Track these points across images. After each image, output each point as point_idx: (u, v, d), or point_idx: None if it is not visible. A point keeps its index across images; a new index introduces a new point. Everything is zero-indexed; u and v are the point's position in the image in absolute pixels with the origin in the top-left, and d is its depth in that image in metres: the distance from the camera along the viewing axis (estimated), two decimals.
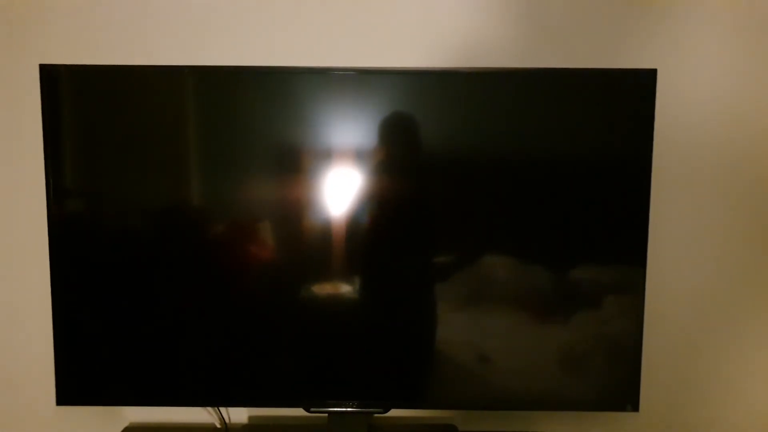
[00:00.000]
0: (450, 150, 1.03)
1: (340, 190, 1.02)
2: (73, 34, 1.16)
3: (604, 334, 1.07)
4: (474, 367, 1.08)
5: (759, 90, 1.18)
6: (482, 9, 1.16)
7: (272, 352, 1.07)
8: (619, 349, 1.07)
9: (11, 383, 1.24)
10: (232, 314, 1.06)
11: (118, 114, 1.02)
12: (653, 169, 1.04)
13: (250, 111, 1.02)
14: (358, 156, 1.01)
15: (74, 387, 1.07)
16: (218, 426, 1.25)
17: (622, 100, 1.03)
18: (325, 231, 1.03)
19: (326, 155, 1.01)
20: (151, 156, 1.03)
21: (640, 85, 1.02)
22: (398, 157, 1.03)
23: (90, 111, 1.02)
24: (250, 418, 1.27)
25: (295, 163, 1.02)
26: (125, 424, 1.26)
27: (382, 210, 1.03)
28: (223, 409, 1.25)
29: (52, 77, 1.00)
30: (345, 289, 1.05)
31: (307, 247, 1.05)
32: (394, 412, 1.15)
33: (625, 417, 1.26)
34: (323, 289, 1.06)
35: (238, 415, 1.27)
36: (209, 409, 1.24)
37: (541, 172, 1.03)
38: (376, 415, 1.14)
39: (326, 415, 1.10)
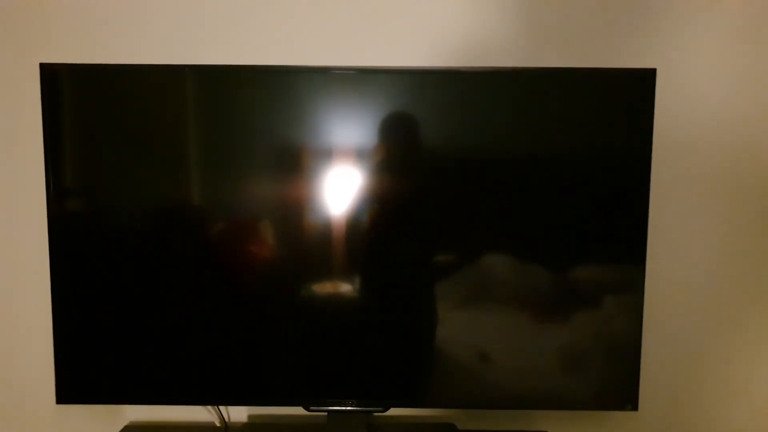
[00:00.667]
0: (450, 149, 1.03)
1: (340, 190, 1.02)
2: (73, 33, 1.16)
3: (603, 333, 1.07)
4: (474, 367, 1.08)
5: (758, 89, 1.18)
6: (483, 9, 1.16)
7: (272, 350, 1.07)
8: (619, 349, 1.07)
9: (11, 382, 1.25)
10: (232, 313, 1.06)
11: (118, 113, 1.02)
12: (653, 169, 1.04)
13: (250, 110, 1.02)
14: (359, 155, 1.02)
15: (74, 385, 1.07)
16: (218, 425, 1.25)
17: (622, 100, 1.03)
18: (326, 230, 1.03)
19: (327, 154, 1.02)
20: (151, 155, 1.03)
21: (639, 85, 1.02)
22: (399, 156, 1.03)
23: (90, 110, 1.02)
24: (250, 416, 1.27)
25: (295, 162, 1.02)
26: (125, 422, 1.26)
27: (383, 209, 1.03)
28: (222, 408, 1.25)
29: (53, 76, 1.00)
30: (345, 288, 1.06)
31: (308, 246, 1.05)
32: (393, 411, 1.15)
33: (625, 416, 1.26)
34: (323, 288, 1.06)
35: (238, 413, 1.27)
36: (209, 407, 1.24)
37: (540, 172, 1.03)
38: (375, 414, 1.14)
39: (326, 414, 1.10)
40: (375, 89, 1.01)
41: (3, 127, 1.18)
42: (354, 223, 1.03)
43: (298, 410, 1.11)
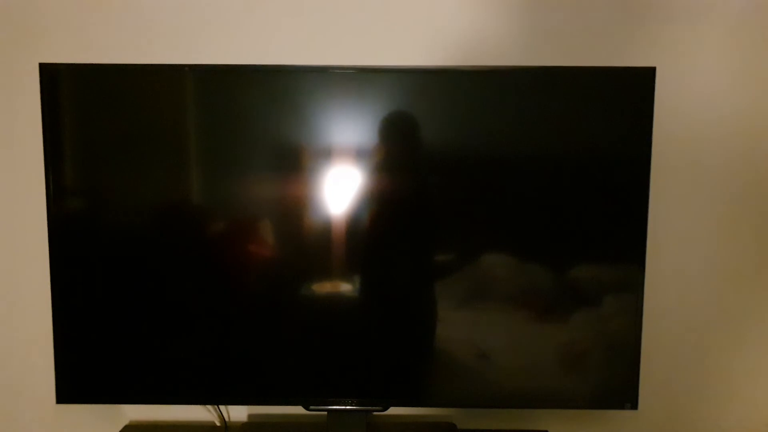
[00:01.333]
0: (450, 148, 1.03)
1: (340, 189, 1.02)
2: (73, 32, 1.16)
3: (603, 332, 1.07)
4: (473, 365, 1.08)
5: (758, 88, 1.18)
6: (482, 7, 1.16)
7: (272, 350, 1.07)
8: (618, 348, 1.07)
9: (11, 381, 1.25)
10: (231, 312, 1.06)
11: (117, 113, 1.02)
12: (652, 168, 1.04)
13: (250, 109, 1.02)
14: (359, 154, 1.02)
15: (74, 385, 1.07)
16: (218, 424, 1.25)
17: (622, 98, 1.02)
18: (325, 229, 1.03)
19: (326, 154, 1.02)
20: (150, 154, 1.03)
21: (639, 83, 1.02)
22: (398, 155, 1.03)
23: (90, 110, 1.02)
24: (250, 416, 1.27)
25: (295, 161, 1.02)
26: (125, 422, 1.26)
27: (382, 209, 1.03)
28: (222, 407, 1.25)
29: (52, 76, 1.00)
30: (345, 287, 1.06)
31: (307, 245, 1.05)
32: (393, 410, 1.15)
33: (624, 415, 1.26)
34: (323, 287, 1.06)
35: (238, 412, 1.27)
36: (209, 407, 1.24)
37: (540, 171, 1.03)
38: (375, 413, 1.14)
39: (325, 413, 1.10)
40: (375, 88, 1.01)
41: (3, 127, 1.18)
42: (354, 223, 1.03)
43: (298, 409, 1.11)
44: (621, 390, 1.08)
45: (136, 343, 1.06)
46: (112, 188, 1.03)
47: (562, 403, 1.10)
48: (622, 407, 1.08)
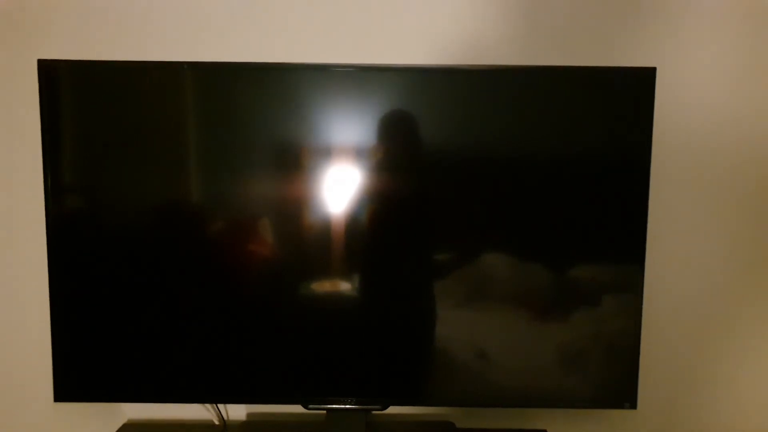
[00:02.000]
0: (450, 148, 1.03)
1: (339, 188, 1.02)
2: (72, 29, 1.15)
3: (602, 332, 1.07)
4: (473, 365, 1.08)
5: (759, 89, 1.18)
6: (483, 7, 1.16)
7: (271, 348, 1.07)
8: (618, 347, 1.07)
9: (9, 379, 1.24)
10: (230, 311, 1.06)
11: (116, 110, 1.01)
12: (652, 168, 1.03)
13: (249, 107, 1.01)
14: (358, 154, 1.01)
15: (72, 383, 1.07)
16: (216, 422, 1.25)
17: (622, 99, 1.02)
18: (325, 228, 1.03)
19: (326, 152, 1.01)
20: (149, 153, 1.02)
21: (639, 84, 1.02)
22: (398, 154, 1.03)
23: (89, 107, 1.01)
24: (249, 414, 1.27)
25: (294, 160, 1.02)
26: (123, 420, 1.26)
27: (382, 208, 1.03)
28: (221, 406, 1.25)
29: (51, 72, 1.00)
30: (344, 286, 1.05)
31: (307, 244, 1.04)
32: (392, 409, 1.15)
33: (623, 414, 1.27)
34: (322, 286, 1.06)
35: (237, 411, 1.27)
36: (207, 405, 1.24)
37: (540, 170, 1.03)
38: (374, 412, 1.14)
39: (324, 411, 1.10)
40: (375, 87, 1.00)
41: (1, 123, 1.17)
42: (353, 222, 1.03)
43: (297, 408, 1.11)
44: (620, 389, 1.08)
45: (135, 342, 1.06)
46: (111, 186, 1.03)
47: (561, 403, 1.10)
48: (621, 407, 1.08)
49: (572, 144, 1.03)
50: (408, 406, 1.22)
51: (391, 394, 1.09)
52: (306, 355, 1.07)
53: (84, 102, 1.01)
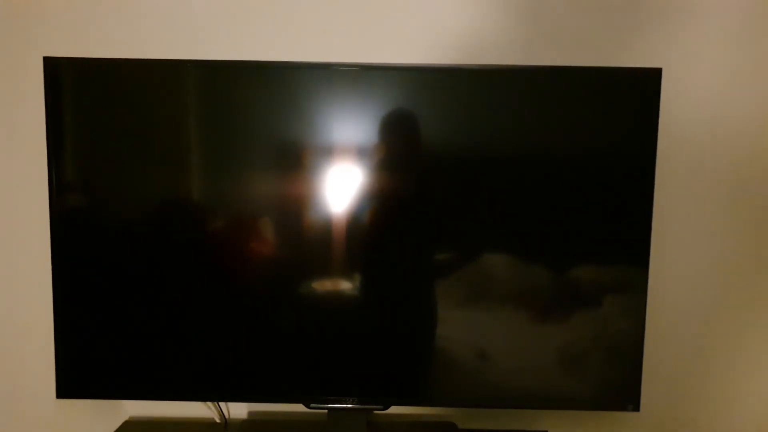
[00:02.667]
0: (452, 147, 1.03)
1: (341, 187, 1.02)
2: (76, 27, 1.16)
3: (605, 333, 1.06)
4: (474, 365, 1.07)
5: (764, 90, 1.17)
6: (486, 6, 1.15)
7: (272, 347, 1.07)
8: (621, 349, 1.06)
9: (12, 376, 1.25)
10: (232, 310, 1.06)
11: (120, 107, 1.01)
12: (657, 169, 1.03)
13: (251, 106, 1.01)
14: (360, 153, 1.01)
15: (74, 380, 1.07)
16: (218, 421, 1.25)
17: (627, 99, 1.02)
18: (326, 228, 1.03)
19: (327, 151, 1.01)
20: (152, 150, 1.03)
21: (644, 84, 1.01)
22: (399, 154, 1.03)
23: (93, 104, 1.02)
24: (250, 413, 1.27)
25: (296, 159, 1.02)
26: (125, 417, 1.26)
27: (383, 207, 1.03)
28: (222, 404, 1.25)
29: (56, 70, 1.00)
30: (345, 286, 1.05)
31: (308, 243, 1.04)
32: (393, 409, 1.15)
33: (626, 416, 1.26)
34: (323, 285, 1.05)
35: (238, 410, 1.27)
36: (209, 403, 1.24)
37: (543, 171, 1.03)
38: (375, 411, 1.13)
39: (326, 411, 1.10)
40: (376, 86, 1.00)
41: (6, 120, 1.18)
42: (354, 221, 1.03)
43: (299, 407, 1.11)
44: (623, 391, 1.07)
45: (137, 339, 1.06)
46: (113, 183, 1.03)
47: (564, 404, 1.10)
48: (623, 408, 1.08)
49: (576, 144, 1.03)
50: (409, 406, 1.22)
51: (393, 394, 1.09)
52: (307, 354, 1.07)
53: (88, 99, 1.02)
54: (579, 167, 1.03)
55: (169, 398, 1.10)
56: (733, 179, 1.19)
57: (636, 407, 1.07)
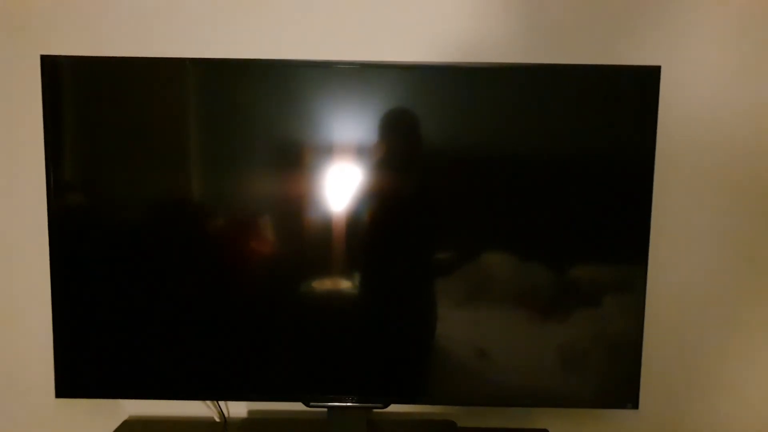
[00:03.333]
0: (451, 146, 1.03)
1: (341, 186, 1.02)
2: (75, 24, 1.15)
3: (604, 331, 1.06)
4: (474, 364, 1.07)
5: (764, 88, 1.17)
6: (486, 4, 1.15)
7: (272, 346, 1.07)
8: (620, 347, 1.07)
9: (11, 375, 1.24)
10: (232, 308, 1.06)
11: (119, 106, 1.01)
12: (656, 167, 1.03)
13: (251, 104, 1.01)
14: (360, 151, 1.01)
15: (74, 379, 1.07)
16: (217, 420, 1.25)
17: (625, 97, 1.02)
18: (326, 227, 1.03)
19: (327, 150, 1.01)
20: (151, 149, 1.02)
21: (643, 82, 1.01)
22: (399, 153, 1.03)
23: (91, 102, 1.01)
24: (250, 412, 1.27)
25: (296, 157, 1.02)
26: (125, 417, 1.26)
27: (383, 206, 1.03)
28: (222, 403, 1.25)
29: (54, 68, 1.00)
30: (345, 284, 1.05)
31: (308, 242, 1.04)
32: (393, 408, 1.15)
33: (625, 414, 1.26)
34: (323, 284, 1.05)
35: (238, 408, 1.27)
36: (208, 402, 1.24)
37: (542, 169, 1.03)
38: (375, 410, 1.14)
39: (326, 409, 1.10)
40: (377, 84, 1.00)
41: (3, 119, 1.17)
42: (354, 220, 1.03)
43: (298, 406, 1.11)
44: (622, 389, 1.08)
45: (136, 338, 1.06)
46: (112, 182, 1.03)
47: (563, 402, 1.10)
48: (623, 406, 1.08)
49: (575, 143, 1.03)
50: (409, 404, 1.22)
51: (393, 392, 1.09)
52: (307, 353, 1.07)
53: (86, 97, 1.01)
54: (578, 165, 1.03)
55: (169, 397, 1.10)
56: (732, 178, 1.19)
57: (635, 405, 1.07)
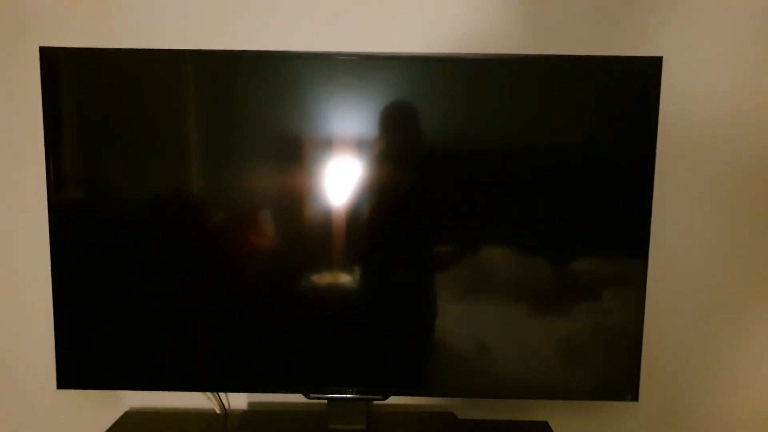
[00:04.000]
0: (452, 139, 1.02)
1: (340, 180, 1.01)
2: (73, 16, 1.15)
3: (604, 324, 1.06)
4: (474, 356, 1.08)
5: (765, 80, 1.16)
6: None
7: (273, 338, 1.07)
8: (620, 340, 1.07)
9: (12, 367, 1.25)
10: (232, 301, 1.06)
11: (117, 98, 1.01)
12: (656, 160, 1.03)
13: (250, 96, 1.01)
14: (360, 145, 1.01)
15: (75, 371, 1.07)
16: (218, 411, 1.25)
17: (627, 89, 1.01)
18: (326, 220, 1.03)
19: (327, 143, 1.01)
20: (150, 142, 1.02)
21: (644, 74, 1.00)
22: (400, 146, 1.02)
23: (90, 95, 1.01)
24: (250, 403, 1.27)
25: (295, 151, 1.01)
26: (125, 408, 1.26)
27: (383, 200, 1.03)
28: (222, 395, 1.26)
29: (52, 60, 0.99)
30: (345, 278, 1.05)
31: (307, 236, 1.04)
32: (393, 400, 1.16)
33: (625, 406, 1.26)
34: (323, 277, 1.05)
35: (238, 400, 1.27)
36: (209, 394, 1.24)
37: (542, 162, 1.03)
38: (375, 402, 1.14)
39: (326, 401, 1.10)
40: (377, 76, 0.99)
41: (2, 112, 1.17)
42: (354, 214, 1.02)
43: (299, 398, 1.11)
44: (622, 381, 1.08)
45: (137, 330, 1.06)
46: (112, 175, 1.03)
47: (563, 395, 1.10)
48: (622, 398, 1.08)
49: (575, 135, 1.02)
50: (409, 396, 1.23)
51: (392, 384, 1.09)
52: (308, 345, 1.07)
53: (85, 90, 1.01)
54: (579, 158, 1.03)
55: (169, 389, 1.10)
56: (733, 171, 1.19)
57: (635, 397, 1.07)
